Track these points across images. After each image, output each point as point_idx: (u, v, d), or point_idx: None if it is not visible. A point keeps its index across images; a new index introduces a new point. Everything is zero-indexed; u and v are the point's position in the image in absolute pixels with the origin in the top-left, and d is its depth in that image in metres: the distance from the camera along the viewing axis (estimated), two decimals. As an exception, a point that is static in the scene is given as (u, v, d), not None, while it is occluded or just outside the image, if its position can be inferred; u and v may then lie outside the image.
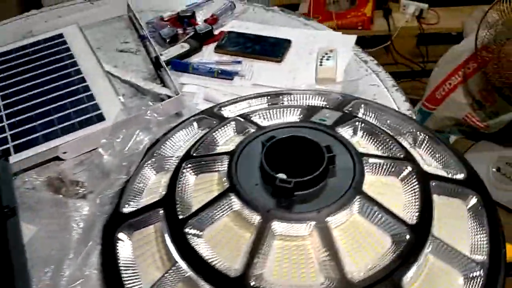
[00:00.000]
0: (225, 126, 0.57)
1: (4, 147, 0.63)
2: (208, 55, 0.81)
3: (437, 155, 0.56)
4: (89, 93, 0.71)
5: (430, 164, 0.55)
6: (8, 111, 0.69)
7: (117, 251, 0.49)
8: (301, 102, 0.64)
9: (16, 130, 0.65)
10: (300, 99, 0.64)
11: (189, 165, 0.53)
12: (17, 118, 0.67)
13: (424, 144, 0.58)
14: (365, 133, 0.56)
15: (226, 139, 0.57)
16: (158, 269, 0.47)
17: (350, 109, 0.61)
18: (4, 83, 0.74)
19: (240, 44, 0.81)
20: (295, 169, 0.51)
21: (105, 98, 0.70)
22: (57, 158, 0.63)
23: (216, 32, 0.85)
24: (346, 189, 0.46)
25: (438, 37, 1.62)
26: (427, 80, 1.53)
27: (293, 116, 0.59)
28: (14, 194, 0.50)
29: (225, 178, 0.49)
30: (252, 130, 0.55)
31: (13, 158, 0.60)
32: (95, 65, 0.77)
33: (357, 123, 0.56)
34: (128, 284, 0.46)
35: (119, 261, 0.48)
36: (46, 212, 0.55)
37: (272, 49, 0.79)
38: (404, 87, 1.83)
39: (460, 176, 0.53)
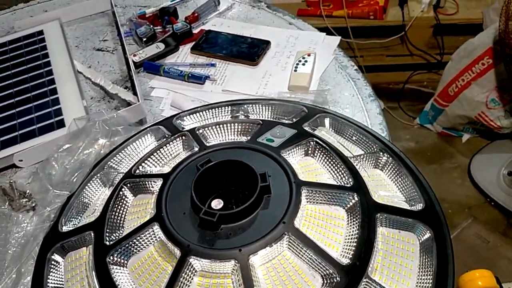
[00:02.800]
0: (173, 142, 0.55)
1: (-37, 153, 0.62)
2: (184, 55, 0.78)
3: (398, 180, 0.52)
4: (55, 96, 0.70)
5: (388, 192, 0.51)
6: (-27, 114, 0.69)
7: (49, 273, 0.48)
8: (262, 114, 0.60)
9: (-23, 136, 0.65)
10: (261, 111, 0.61)
11: (128, 185, 0.51)
12: (-18, 122, 0.67)
13: (386, 167, 0.53)
14: (317, 155, 0.52)
15: (172, 156, 0.54)
16: (85, 295, 0.46)
17: (311, 124, 0.57)
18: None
19: (217, 45, 0.78)
20: (233, 195, 0.48)
21: (70, 102, 0.68)
22: (14, 166, 0.62)
23: (196, 31, 0.82)
24: (275, 224, 0.42)
25: (456, 28, 1.52)
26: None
27: (244, 133, 0.55)
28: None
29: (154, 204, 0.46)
30: (196, 149, 0.52)
31: (-33, 166, 0.60)
32: (67, 65, 0.75)
33: (311, 143, 0.52)
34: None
35: (47, 285, 0.47)
36: (-12, 225, 0.54)
37: (249, 51, 0.75)
38: (420, 79, 1.76)
39: (418, 206, 0.49)
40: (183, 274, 0.41)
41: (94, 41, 0.84)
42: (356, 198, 0.46)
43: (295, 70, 0.70)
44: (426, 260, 0.45)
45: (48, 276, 0.47)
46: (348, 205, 0.46)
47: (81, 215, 0.53)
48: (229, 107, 0.62)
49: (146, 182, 0.50)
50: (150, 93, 0.71)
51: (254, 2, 0.88)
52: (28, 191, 0.57)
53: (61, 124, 0.65)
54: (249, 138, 0.53)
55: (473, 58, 1.28)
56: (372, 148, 0.55)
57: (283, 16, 0.84)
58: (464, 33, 1.51)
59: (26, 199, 0.57)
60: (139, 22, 0.82)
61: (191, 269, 0.42)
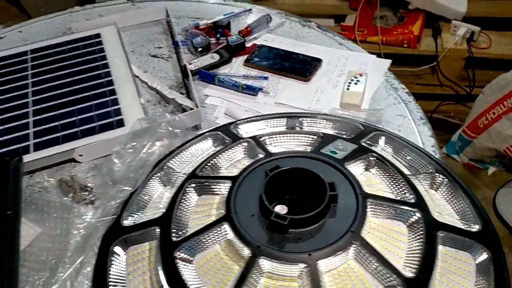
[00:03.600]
0: (235, 148, 0.56)
1: (25, 144, 0.65)
2: (237, 67, 0.80)
3: (453, 201, 0.53)
4: (114, 97, 0.72)
5: (444, 211, 0.52)
6: (36, 107, 0.71)
7: (111, 264, 0.49)
8: (319, 128, 0.62)
9: (39, 128, 0.67)
10: (318, 125, 0.62)
11: (193, 185, 0.52)
12: (43, 116, 0.69)
13: (441, 188, 0.54)
14: (378, 171, 0.53)
15: (234, 161, 0.56)
16: (147, 289, 0.47)
17: (368, 141, 0.58)
18: (37, 79, 0.77)
19: (270, 59, 0.80)
20: (297, 202, 0.50)
21: (129, 104, 0.71)
22: (73, 160, 0.64)
23: (248, 45, 0.84)
24: (343, 232, 0.44)
25: (488, 62, 1.54)
26: (472, 105, 1.46)
27: (306, 144, 0.57)
28: (20, 197, 0.52)
29: (222, 205, 0.48)
30: (261, 156, 0.54)
31: (31, 157, 0.62)
32: (125, 68, 0.78)
33: (371, 158, 0.54)
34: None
35: (109, 276, 0.48)
36: (51, 215, 0.56)
37: (301, 67, 0.77)
38: (448, 110, 1.77)
39: (474, 227, 0.50)
40: (251, 275, 0.42)
41: (149, 48, 0.86)
42: (419, 215, 0.47)
43: (348, 89, 0.72)
44: (483, 281, 0.45)
45: (110, 268, 0.49)
46: (410, 221, 0.47)
47: (141, 211, 0.55)
48: (286, 119, 0.64)
49: (212, 184, 0.51)
50: (204, 101, 0.74)
51: (305, 22, 0.91)
52: (89, 184, 0.59)
53: (120, 123, 0.67)
54: (312, 149, 0.54)
55: (505, 93, 1.30)
56: (427, 168, 0.56)
57: (333, 37, 0.86)
58: (495, 68, 1.53)
59: (87, 193, 0.58)
60: (195, 33, 0.85)
61: (259, 269, 0.43)
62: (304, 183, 0.49)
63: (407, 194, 0.50)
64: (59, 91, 0.74)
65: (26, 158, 0.61)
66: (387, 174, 0.52)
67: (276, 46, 0.83)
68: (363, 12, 1.65)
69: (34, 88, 0.75)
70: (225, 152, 0.56)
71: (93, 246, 0.52)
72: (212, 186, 0.51)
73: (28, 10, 2.25)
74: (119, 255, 0.50)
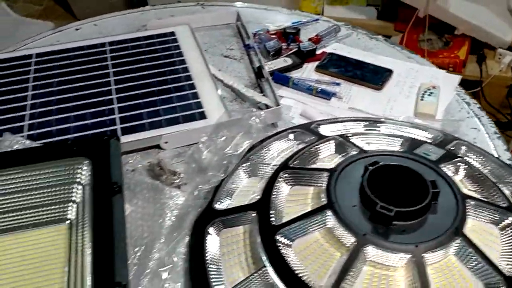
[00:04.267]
0: (325, 143, 0.58)
1: (113, 128, 0.67)
2: (307, 72, 0.83)
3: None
4: (194, 91, 0.75)
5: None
6: (119, 95, 0.74)
7: (206, 244, 0.51)
8: (400, 133, 0.64)
9: (125, 114, 0.70)
10: (399, 130, 0.64)
11: (286, 175, 0.54)
12: (127, 103, 0.72)
13: (525, 198, 0.55)
14: (467, 176, 0.54)
15: (325, 156, 0.58)
16: (242, 269, 0.48)
17: (452, 148, 0.60)
18: (118, 69, 0.80)
19: (341, 66, 0.82)
20: (393, 198, 0.51)
21: (208, 98, 0.73)
22: (156, 147, 0.67)
23: (318, 52, 0.87)
24: (446, 228, 0.45)
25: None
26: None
27: (394, 146, 0.58)
28: (122, 172, 0.54)
29: (323, 194, 0.49)
30: (353, 152, 0.55)
31: (121, 139, 0.64)
32: (202, 65, 0.81)
33: (459, 163, 0.55)
34: (212, 278, 0.48)
35: (206, 255, 0.50)
36: (143, 195, 0.58)
37: (373, 76, 0.79)
38: (489, 136, 1.74)
39: None
40: (356, 262, 0.44)
41: (221, 48, 0.89)
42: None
43: (422, 99, 0.74)
44: None
45: (206, 248, 0.50)
46: (504, 223, 0.48)
47: (229, 198, 0.57)
48: (366, 122, 0.65)
49: (307, 175, 0.53)
50: (279, 101, 0.76)
51: (372, 34, 0.93)
52: (177, 170, 0.61)
53: (202, 115, 0.69)
54: (404, 150, 0.56)
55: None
56: (510, 179, 0.57)
57: (401, 50, 0.88)
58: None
59: (175, 177, 0.60)
60: (268, 37, 0.88)
61: (363, 257, 0.44)
62: (402, 181, 0.50)
63: (499, 198, 0.51)
64: (140, 82, 0.77)
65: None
66: (477, 179, 0.54)
67: (347, 55, 0.85)
68: (409, 34, 1.67)
69: (116, 78, 0.78)
70: (315, 147, 0.58)
71: (185, 227, 0.54)
72: (306, 177, 0.53)
73: (75, 11, 2.33)
74: (212, 236, 0.52)
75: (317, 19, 0.97)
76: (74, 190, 0.54)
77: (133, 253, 0.52)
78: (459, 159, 0.55)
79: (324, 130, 0.64)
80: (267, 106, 0.73)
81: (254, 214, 0.51)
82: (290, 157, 0.57)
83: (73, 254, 0.50)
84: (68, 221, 0.53)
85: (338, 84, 0.79)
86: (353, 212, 0.47)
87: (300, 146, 0.62)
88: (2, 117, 0.69)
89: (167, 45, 0.86)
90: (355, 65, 0.82)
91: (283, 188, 0.54)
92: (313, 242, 0.47)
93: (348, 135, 0.59)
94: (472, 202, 0.48)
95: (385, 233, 0.45)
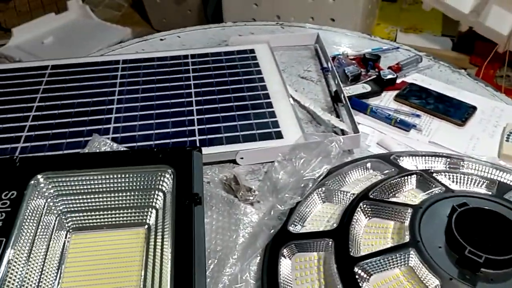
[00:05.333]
0: (407, 177, 0.57)
1: (191, 138, 0.69)
2: (385, 101, 0.81)
3: None
4: (271, 109, 0.75)
5: None
6: (199, 107, 0.76)
7: (279, 266, 0.50)
8: (485, 174, 0.61)
9: (203, 126, 0.71)
10: (484, 171, 0.61)
11: (365, 206, 0.53)
12: (206, 116, 0.74)
13: None
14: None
15: (406, 190, 0.56)
16: (316, 297, 0.48)
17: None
18: (198, 81, 0.82)
19: (422, 98, 0.80)
20: (480, 243, 0.49)
21: (286, 118, 0.74)
22: (231, 162, 0.68)
23: (397, 81, 0.85)
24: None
25: None
26: None
27: (480, 187, 0.56)
28: (203, 184, 0.55)
29: (406, 231, 0.48)
30: (437, 190, 0.54)
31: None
32: (280, 85, 0.82)
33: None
34: (284, 301, 0.48)
35: (280, 277, 0.49)
36: (218, 208, 0.59)
37: (455, 111, 0.77)
38: None
39: None
40: (440, 305, 0.42)
41: (298, 69, 0.90)
42: None
43: (507, 140, 0.70)
44: None
45: (280, 269, 0.50)
46: None
47: (302, 222, 0.56)
48: (448, 159, 0.63)
49: (387, 208, 0.52)
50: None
51: (455, 68, 0.90)
52: (253, 187, 0.62)
53: (279, 135, 0.70)
54: (492, 193, 0.53)
55: None
56: None
57: (485, 87, 0.85)
58: None
59: (249, 193, 0.61)
60: (348, 62, 0.87)
61: (447, 302, 0.42)
62: (491, 226, 0.48)
63: None
64: (219, 96, 0.78)
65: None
66: None
67: (427, 87, 0.83)
68: (486, 69, 1.61)
69: (196, 90, 0.80)
70: (397, 180, 0.56)
71: (259, 246, 0.54)
72: (387, 211, 0.52)
73: (151, 19, 2.43)
74: (286, 259, 0.52)
75: (397, 47, 0.96)
76: (155, 196, 0.56)
77: (208, 267, 0.52)
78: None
79: (404, 162, 0.63)
80: (343, 132, 0.72)
81: (331, 242, 0.50)
82: (370, 188, 0.56)
83: (150, 258, 0.51)
84: (146, 226, 0.55)
85: (418, 116, 0.77)
86: (438, 253, 0.45)
87: (378, 177, 0.61)
88: (91, 118, 0.73)
89: (246, 62, 0.88)
90: (437, 98, 0.80)
91: (361, 219, 0.53)
92: (393, 279, 0.46)
93: (432, 171, 0.57)
94: None
95: (471, 280, 0.43)
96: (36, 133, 0.70)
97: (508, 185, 0.56)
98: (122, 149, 0.64)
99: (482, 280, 0.43)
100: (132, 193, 0.56)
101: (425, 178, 0.56)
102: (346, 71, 0.85)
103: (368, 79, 0.85)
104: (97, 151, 0.63)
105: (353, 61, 0.88)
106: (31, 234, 0.51)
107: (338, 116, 0.77)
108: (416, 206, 0.50)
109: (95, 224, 0.55)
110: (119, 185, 0.56)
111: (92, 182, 0.56)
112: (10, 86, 0.80)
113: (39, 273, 0.49)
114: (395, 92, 0.83)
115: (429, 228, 0.48)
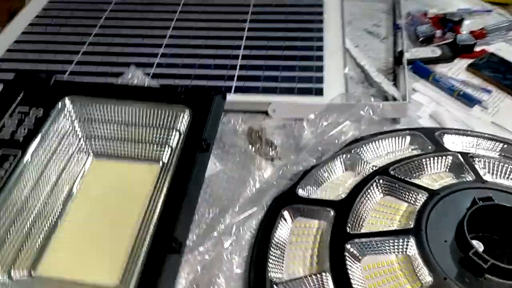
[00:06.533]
0: (439, 158, 0.50)
1: (229, 83, 0.67)
2: (457, 70, 0.72)
3: None
4: (320, 63, 0.70)
5: None
6: (246, 52, 0.73)
7: (277, 227, 0.48)
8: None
9: (244, 73, 0.69)
10: (544, 165, 0.52)
11: (381, 181, 0.48)
12: (250, 62, 0.71)
13: None
14: None
15: (435, 172, 0.50)
16: (304, 266, 0.45)
17: None
18: (254, 25, 0.78)
19: (500, 71, 0.69)
20: (498, 245, 0.42)
21: (333, 75, 0.68)
22: (264, 113, 0.65)
23: (477, 49, 0.74)
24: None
25: None
26: None
27: (525, 184, 0.48)
28: (216, 132, 0.53)
29: (414, 216, 0.43)
30: (469, 178, 0.47)
31: (231, 97, 0.64)
32: (338, 39, 0.75)
33: None
34: (272, 263, 0.46)
35: (274, 238, 0.47)
36: (234, 158, 0.57)
37: (536, 92, 0.66)
38: None
39: None
40: (425, 305, 0.37)
41: (366, 23, 0.82)
42: None
43: None
44: None
45: (276, 230, 0.48)
46: None
47: (316, 186, 0.53)
48: (504, 144, 0.55)
49: (404, 188, 0.46)
50: (411, 95, 0.67)
51: (555, 40, 0.76)
52: (275, 141, 0.59)
53: (319, 92, 0.65)
54: (537, 191, 0.45)
55: None
56: None
57: None
58: None
59: (271, 148, 0.58)
60: (421, 20, 0.78)
61: (435, 303, 0.38)
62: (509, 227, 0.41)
63: None
64: (271, 43, 0.74)
65: (229, 97, 0.63)
66: None
67: (510, 60, 0.72)
68: None
69: (249, 34, 0.77)
70: (427, 159, 0.50)
71: (264, 202, 0.52)
72: (403, 191, 0.47)
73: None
74: (286, 221, 0.49)
75: (489, 10, 0.83)
76: (172, 135, 0.56)
77: (208, 212, 0.52)
78: None
79: (448, 140, 0.56)
80: (394, 98, 0.65)
81: (333, 213, 0.47)
82: (394, 163, 0.50)
83: (155, 195, 0.52)
84: (161, 163, 0.55)
85: (488, 91, 0.67)
86: (441, 248, 0.40)
87: (414, 152, 0.54)
88: (137, 50, 0.74)
89: (311, 9, 0.82)
90: (518, 73, 0.69)
91: (375, 195, 0.48)
92: (386, 264, 0.42)
93: (473, 155, 0.50)
94: None
95: (469, 284, 0.37)
96: (85, 59, 0.72)
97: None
98: (153, 85, 0.64)
99: (484, 286, 0.37)
100: (151, 129, 0.57)
101: (460, 162, 0.49)
102: (417, 31, 0.76)
103: (442, 42, 0.75)
104: (129, 83, 0.63)
105: (429, 21, 0.78)
106: (50, 152, 0.53)
107: (394, 80, 0.70)
108: (434, 192, 0.44)
109: (114, 153, 0.57)
110: (141, 119, 0.57)
111: (116, 113, 0.57)
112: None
113: (50, 190, 0.52)
114: (470, 61, 0.72)
115: (441, 218, 0.42)
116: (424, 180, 0.48)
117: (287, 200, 0.50)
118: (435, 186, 0.46)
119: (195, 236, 0.49)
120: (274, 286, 0.43)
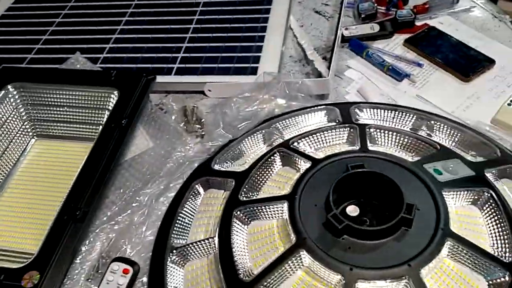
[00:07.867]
0: (339, 130, 0.53)
1: (171, 65, 0.71)
2: (394, 45, 0.73)
3: None
4: (260, 44, 0.73)
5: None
6: (193, 35, 0.76)
7: (187, 200, 0.52)
8: (444, 138, 0.54)
9: (187, 55, 0.72)
10: (449, 134, 0.54)
11: (281, 153, 0.52)
12: (195, 45, 0.74)
13: None
14: (486, 211, 0.45)
15: (330, 144, 0.53)
16: (206, 232, 0.49)
17: (495, 173, 0.49)
18: (206, 8, 0.82)
19: (435, 46, 0.71)
20: (374, 209, 0.46)
21: (270, 55, 0.71)
22: (202, 92, 0.68)
23: (419, 23, 0.75)
24: (399, 263, 0.39)
25: None
26: None
27: (414, 152, 0.50)
28: (138, 112, 0.57)
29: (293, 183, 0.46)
30: (355, 147, 0.50)
31: (169, 79, 0.68)
32: (283, 18, 0.78)
33: (485, 194, 0.45)
34: (176, 229, 0.49)
35: (185, 207, 0.51)
36: (164, 135, 0.61)
37: (466, 64, 0.67)
38: None
39: None
40: (289, 262, 0.41)
41: (316, 2, 0.84)
42: (508, 278, 0.39)
43: (509, 105, 0.60)
44: None
45: (187, 202, 0.52)
46: (494, 281, 0.39)
47: (234, 160, 0.57)
48: (415, 116, 0.57)
49: (296, 159, 0.50)
50: (344, 72, 0.70)
51: (498, 13, 0.77)
52: (203, 119, 0.63)
53: (254, 71, 0.68)
54: (415, 160, 0.48)
55: None
56: None
57: (526, 38, 0.72)
58: None
59: (199, 126, 0.62)
60: (365, -3, 0.79)
61: (299, 260, 0.41)
62: (383, 193, 0.44)
63: (507, 251, 0.41)
64: (218, 25, 0.78)
65: (166, 79, 0.67)
66: (496, 219, 0.44)
67: (450, 33, 0.73)
68: None
69: (200, 17, 0.80)
70: (327, 132, 0.53)
71: (185, 177, 0.56)
72: (296, 161, 0.50)
73: None
74: (199, 194, 0.53)
75: (439, -16, 0.83)
76: (103, 115, 0.60)
77: (132, 186, 0.56)
78: (486, 188, 0.45)
79: (362, 115, 0.58)
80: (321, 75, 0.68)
81: (233, 183, 0.51)
82: (295, 136, 0.53)
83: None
84: (94, 142, 0.60)
85: (420, 65, 0.69)
86: (309, 211, 0.43)
87: (328, 125, 0.57)
88: (93, 36, 0.78)
89: (262, -9, 0.85)
90: (453, 46, 0.70)
91: (275, 165, 0.52)
92: (268, 228, 0.46)
93: (370, 126, 0.53)
94: (456, 244, 0.40)
95: (329, 244, 0.41)
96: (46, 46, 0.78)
97: (452, 152, 0.49)
98: (95, 69, 0.69)
99: (337, 247, 0.41)
100: (87, 110, 0.62)
101: (355, 134, 0.52)
102: (359, 8, 0.78)
103: (384, 19, 0.77)
104: (72, 68, 0.68)
105: (372, -3, 0.79)
106: (-10, 136, 0.59)
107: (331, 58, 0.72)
108: (317, 160, 0.47)
109: (55, 134, 0.62)
110: (78, 101, 0.62)
111: (56, 96, 0.62)
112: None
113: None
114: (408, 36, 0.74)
115: (318, 184, 0.45)
116: (319, 151, 0.52)
117: (200, 173, 0.54)
118: (320, 156, 0.49)
119: (117, 208, 0.54)
120: (174, 250, 0.47)
